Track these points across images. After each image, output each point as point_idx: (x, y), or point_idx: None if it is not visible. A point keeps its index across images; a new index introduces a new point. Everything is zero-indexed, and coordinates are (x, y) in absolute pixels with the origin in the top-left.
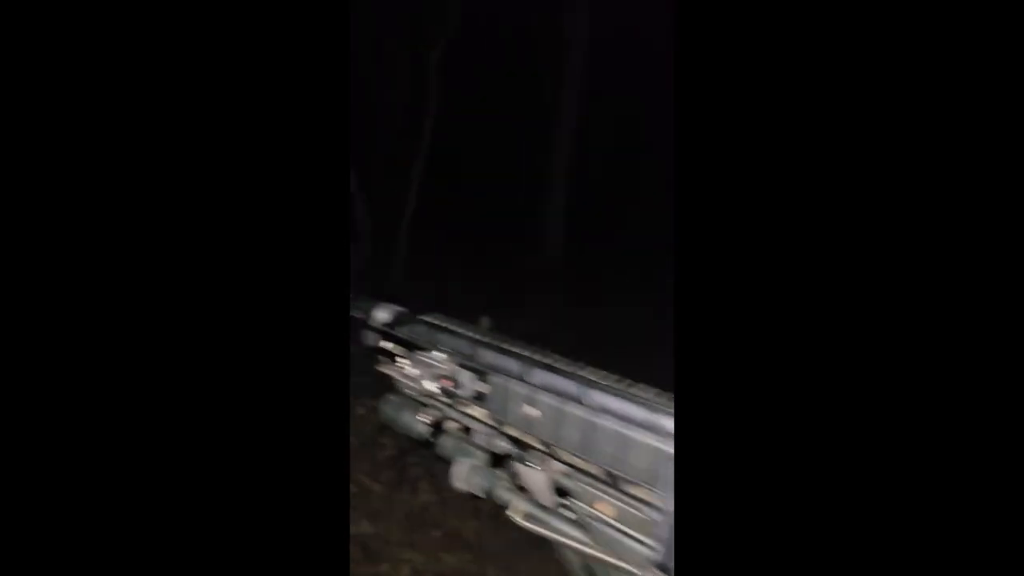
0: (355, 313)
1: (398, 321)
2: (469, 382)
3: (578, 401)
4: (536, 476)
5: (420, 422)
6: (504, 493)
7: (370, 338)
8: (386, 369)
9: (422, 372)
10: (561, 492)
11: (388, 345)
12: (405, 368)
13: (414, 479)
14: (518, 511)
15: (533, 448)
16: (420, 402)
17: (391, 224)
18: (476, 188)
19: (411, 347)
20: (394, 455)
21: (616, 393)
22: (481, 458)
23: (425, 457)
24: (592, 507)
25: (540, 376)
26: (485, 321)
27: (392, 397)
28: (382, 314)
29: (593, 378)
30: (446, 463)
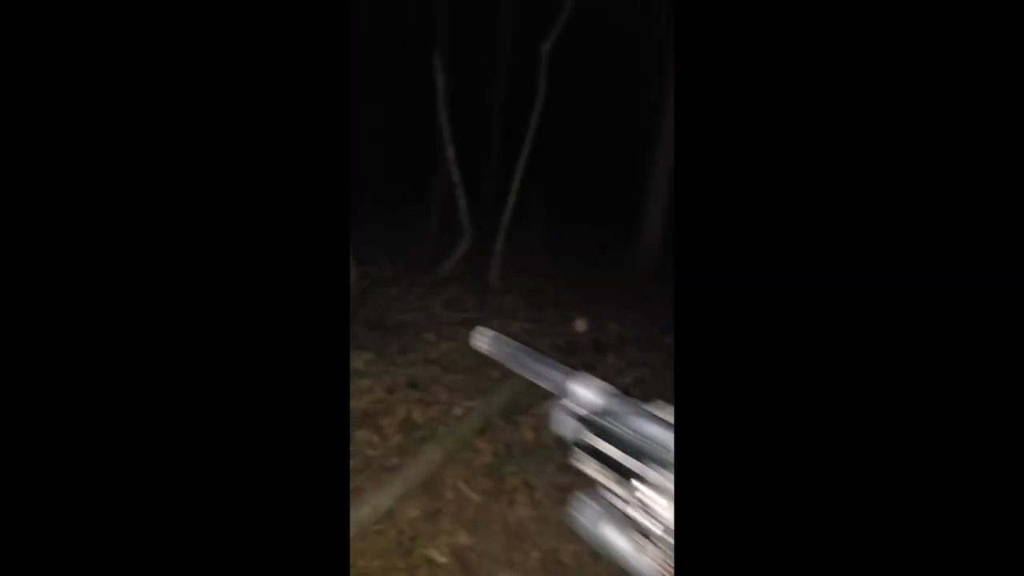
0: (541, 382)
1: (611, 410)
2: None
3: None
4: None
5: (645, 560)
6: None
7: (567, 426)
8: (600, 477)
9: (670, 503)
10: None
11: (598, 444)
12: (645, 498)
13: (511, 490)
14: None
15: None
16: (636, 523)
17: (491, 220)
18: (576, 184)
19: (636, 453)
20: (491, 462)
21: None
22: None
23: (524, 466)
24: None
25: None
26: (581, 323)
27: (590, 502)
28: (587, 395)
29: None
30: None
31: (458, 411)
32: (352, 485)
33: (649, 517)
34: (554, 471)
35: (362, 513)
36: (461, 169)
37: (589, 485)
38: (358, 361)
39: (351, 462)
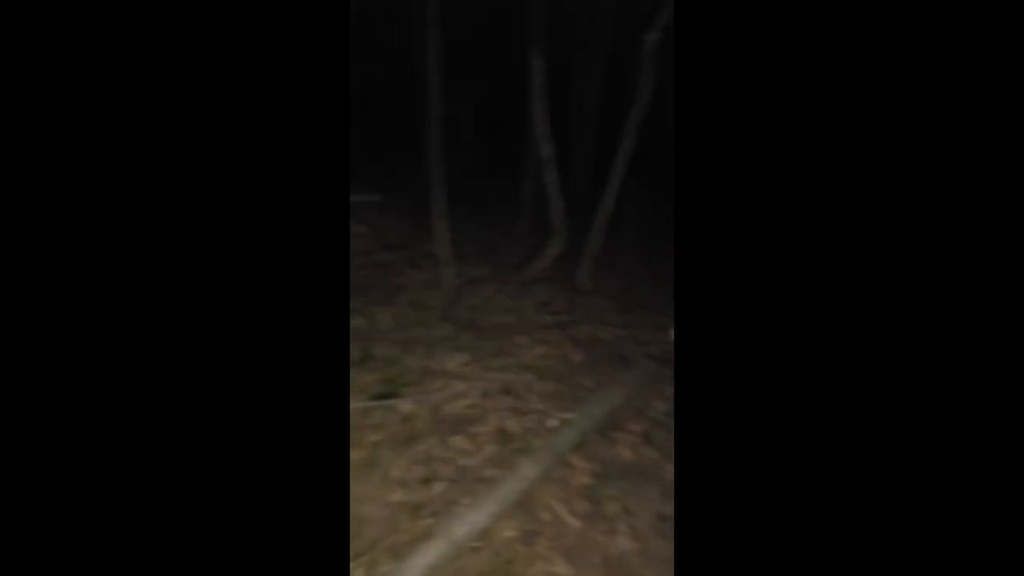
0: None
1: None
2: None
3: None
4: None
5: None
6: None
7: None
8: None
9: None
10: None
11: None
12: None
13: (612, 516)
14: None
15: None
16: None
17: (583, 219)
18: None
19: None
20: (589, 483)
21: None
22: None
23: (624, 489)
24: None
25: None
26: (673, 333)
27: None
28: None
29: None
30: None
31: (552, 422)
32: (447, 495)
33: None
34: (657, 498)
35: (459, 531)
36: (559, 170)
37: None
38: (452, 363)
39: (445, 470)
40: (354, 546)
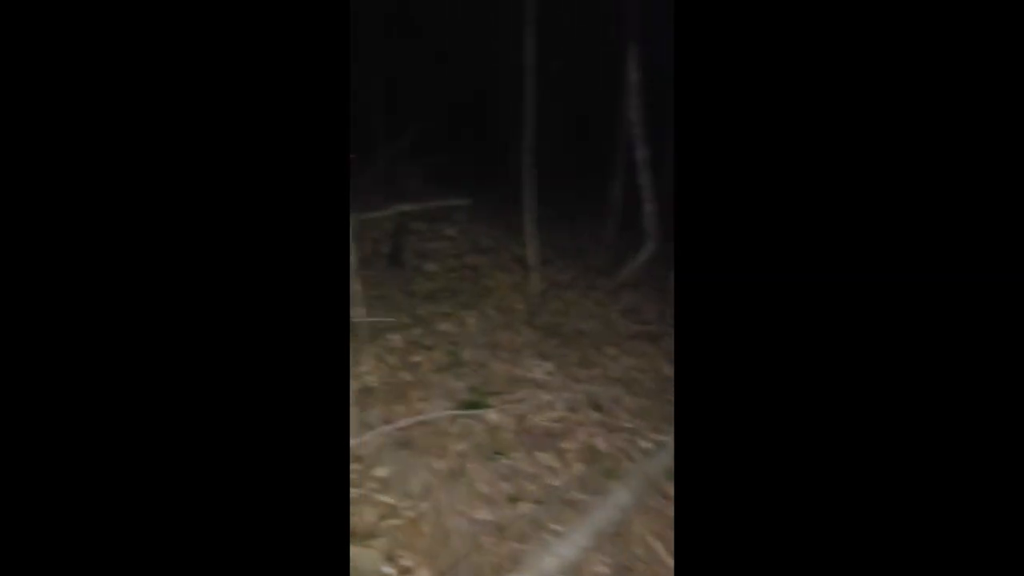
0: None
1: None
2: None
3: None
4: None
5: None
6: None
7: None
8: None
9: None
10: None
11: None
12: None
13: None
14: None
15: None
16: None
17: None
18: None
19: None
20: None
21: None
22: None
23: None
24: None
25: None
26: None
27: None
28: None
29: None
30: None
31: (645, 444)
32: (534, 517)
33: None
34: None
35: (548, 563)
36: (652, 173)
37: None
38: (538, 372)
39: (531, 488)
40: (439, 562)
